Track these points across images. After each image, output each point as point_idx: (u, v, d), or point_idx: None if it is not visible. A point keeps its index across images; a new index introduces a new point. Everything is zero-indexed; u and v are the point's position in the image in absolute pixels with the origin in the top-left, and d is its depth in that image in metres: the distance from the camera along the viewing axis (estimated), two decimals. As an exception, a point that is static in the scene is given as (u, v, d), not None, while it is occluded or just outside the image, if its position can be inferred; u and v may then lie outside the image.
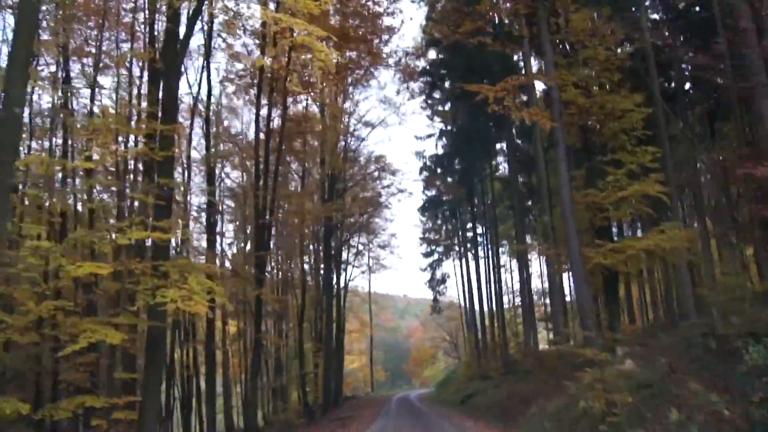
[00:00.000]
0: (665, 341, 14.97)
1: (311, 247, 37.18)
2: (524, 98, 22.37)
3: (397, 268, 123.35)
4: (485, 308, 41.55)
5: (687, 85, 23.77)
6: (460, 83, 17.58)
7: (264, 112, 20.83)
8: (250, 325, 43.87)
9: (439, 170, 41.70)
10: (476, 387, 28.45)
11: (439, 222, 57.77)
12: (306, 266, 44.58)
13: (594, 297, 19.24)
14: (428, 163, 42.16)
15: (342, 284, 49.86)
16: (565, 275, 31.37)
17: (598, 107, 17.83)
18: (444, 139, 42.21)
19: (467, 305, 56.21)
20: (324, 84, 25.51)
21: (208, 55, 20.66)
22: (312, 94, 24.24)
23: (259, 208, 20.83)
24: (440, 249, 58.09)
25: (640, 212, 17.99)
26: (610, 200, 16.69)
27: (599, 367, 10.79)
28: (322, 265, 34.37)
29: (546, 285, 43.33)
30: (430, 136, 41.97)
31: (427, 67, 32.21)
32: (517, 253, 33.94)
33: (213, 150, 22.04)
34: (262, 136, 21.08)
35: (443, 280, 58.32)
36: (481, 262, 45.26)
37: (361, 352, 69.69)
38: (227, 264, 31.59)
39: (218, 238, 31.45)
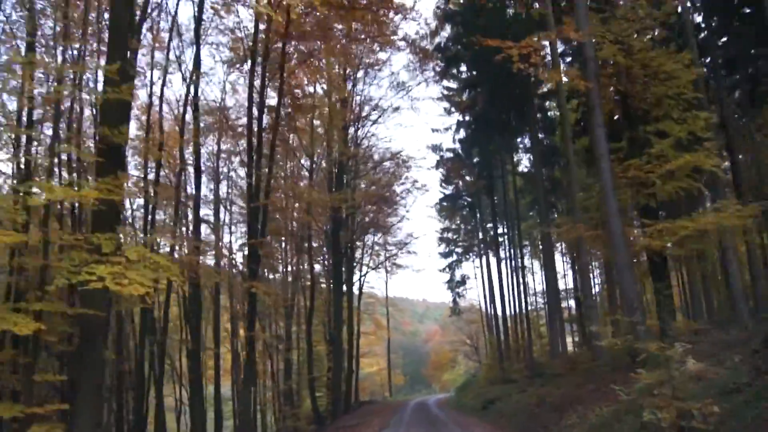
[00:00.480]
0: (731, 337, 12.34)
1: (319, 243, 34.91)
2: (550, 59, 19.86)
3: (415, 269, 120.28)
4: (508, 310, 39.03)
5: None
6: (479, 39, 15.03)
7: (258, 82, 18.54)
8: (260, 326, 41.99)
9: (456, 164, 39.12)
10: (499, 391, 25.81)
11: (458, 221, 55.18)
12: (318, 266, 42.52)
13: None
14: (445, 156, 39.62)
15: (356, 284, 47.83)
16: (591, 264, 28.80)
17: (640, 67, 15.25)
18: (461, 131, 39.75)
19: (488, 307, 53.57)
20: (329, 60, 23.17)
21: (198, 24, 18.48)
22: (314, 65, 21.86)
23: (252, 189, 18.53)
24: (459, 249, 55.53)
25: (690, 188, 15.33)
26: (657, 173, 14.09)
27: (663, 366, 8.21)
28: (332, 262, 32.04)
29: (572, 282, 40.75)
30: (447, 128, 39.60)
31: (443, 43, 29.60)
32: (542, 246, 31.32)
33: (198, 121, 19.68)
34: (256, 113, 18.79)
35: (463, 282, 55.66)
36: (503, 262, 42.76)
37: (379, 356, 67.18)
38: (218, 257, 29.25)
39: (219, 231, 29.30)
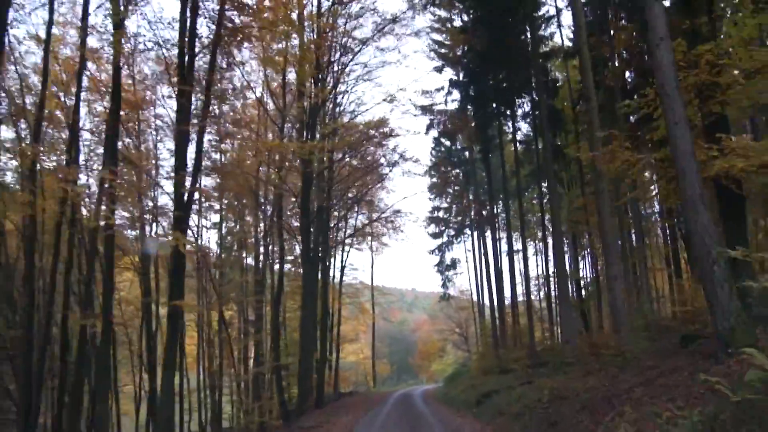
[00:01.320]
0: None
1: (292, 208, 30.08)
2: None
3: (402, 250, 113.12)
4: (504, 293, 34.59)
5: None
6: None
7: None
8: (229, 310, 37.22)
9: (452, 120, 34.31)
10: (495, 383, 21.29)
11: (448, 199, 50.56)
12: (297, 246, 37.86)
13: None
14: (437, 118, 34.88)
15: (337, 264, 43.16)
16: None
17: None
18: (455, 92, 35.09)
19: (481, 290, 49.09)
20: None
21: None
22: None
23: (182, 108, 13.84)
24: (451, 231, 50.96)
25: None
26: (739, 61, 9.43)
27: None
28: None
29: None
30: (439, 89, 34.89)
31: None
32: (551, 220, 26.80)
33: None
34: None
35: (453, 265, 51.13)
36: (500, 242, 38.20)
37: (363, 344, 62.65)
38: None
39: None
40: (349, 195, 38.00)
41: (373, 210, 42.49)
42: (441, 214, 50.92)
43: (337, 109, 30.25)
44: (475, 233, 50.39)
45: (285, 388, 30.20)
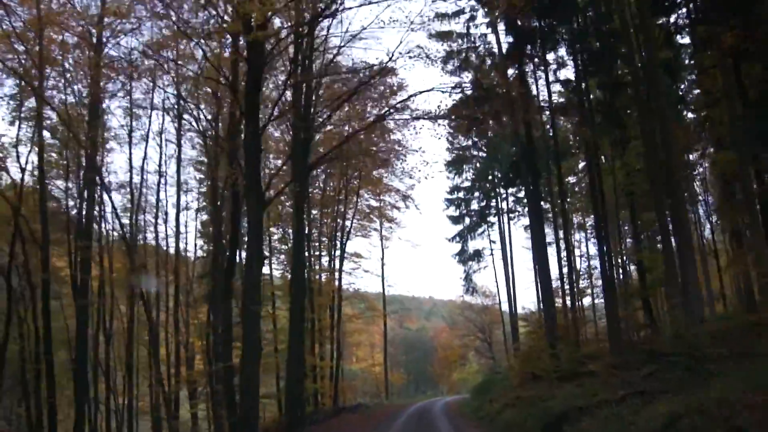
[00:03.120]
0: None
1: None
2: None
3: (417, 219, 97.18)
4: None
5: None
6: None
7: None
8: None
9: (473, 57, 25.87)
10: (567, 395, 12.91)
11: (471, 172, 42.18)
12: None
13: None
14: (455, 46, 26.41)
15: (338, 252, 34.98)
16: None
17: None
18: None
19: (511, 287, 40.53)
20: None
21: None
22: None
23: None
24: (474, 208, 42.55)
25: None
26: None
27: None
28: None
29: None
30: (458, 12, 26.61)
31: None
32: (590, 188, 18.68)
33: None
34: None
35: (478, 255, 42.65)
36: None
37: (374, 350, 54.23)
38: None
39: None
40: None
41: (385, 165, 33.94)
42: (462, 194, 42.63)
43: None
44: (505, 218, 42.22)
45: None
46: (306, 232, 29.84)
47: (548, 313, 20.81)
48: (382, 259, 41.15)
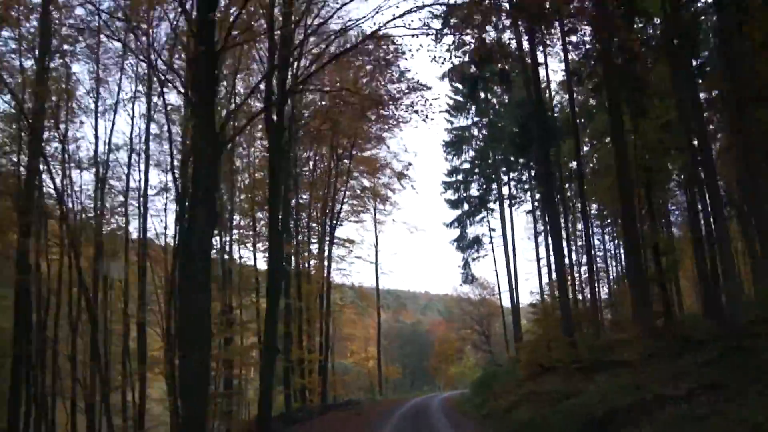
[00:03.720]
0: None
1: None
2: None
3: (413, 207, 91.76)
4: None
5: None
6: None
7: None
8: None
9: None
10: (600, 391, 10.11)
11: (470, 153, 39.53)
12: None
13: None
14: None
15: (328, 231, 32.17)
16: None
17: None
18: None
19: (512, 277, 37.85)
20: None
21: None
22: None
23: None
24: (473, 195, 39.86)
25: None
26: None
27: None
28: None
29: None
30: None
31: None
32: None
33: None
34: None
35: (477, 243, 39.96)
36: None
37: (368, 343, 51.43)
38: None
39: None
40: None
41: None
42: (460, 177, 39.92)
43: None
44: (506, 203, 39.42)
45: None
46: (291, 205, 27.03)
47: (564, 296, 18.06)
48: (376, 245, 38.39)
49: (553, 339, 18.40)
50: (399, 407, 25.03)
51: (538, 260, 38.08)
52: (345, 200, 31.39)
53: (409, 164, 30.99)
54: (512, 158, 38.71)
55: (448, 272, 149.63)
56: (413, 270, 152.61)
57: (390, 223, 38.88)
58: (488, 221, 39.79)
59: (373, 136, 26.45)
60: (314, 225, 32.68)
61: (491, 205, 39.76)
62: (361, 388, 50.83)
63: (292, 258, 30.43)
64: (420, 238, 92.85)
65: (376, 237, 38.21)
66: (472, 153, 39.69)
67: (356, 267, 53.65)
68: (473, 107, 38.84)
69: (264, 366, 17.40)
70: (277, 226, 17.57)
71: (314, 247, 33.27)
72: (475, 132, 39.31)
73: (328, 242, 29.97)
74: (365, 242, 37.93)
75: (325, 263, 31.45)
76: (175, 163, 22.83)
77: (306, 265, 32.76)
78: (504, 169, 39.52)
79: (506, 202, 39.11)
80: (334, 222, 30.12)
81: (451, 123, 39.62)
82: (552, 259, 20.52)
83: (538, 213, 39.37)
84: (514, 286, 37.65)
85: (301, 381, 30.71)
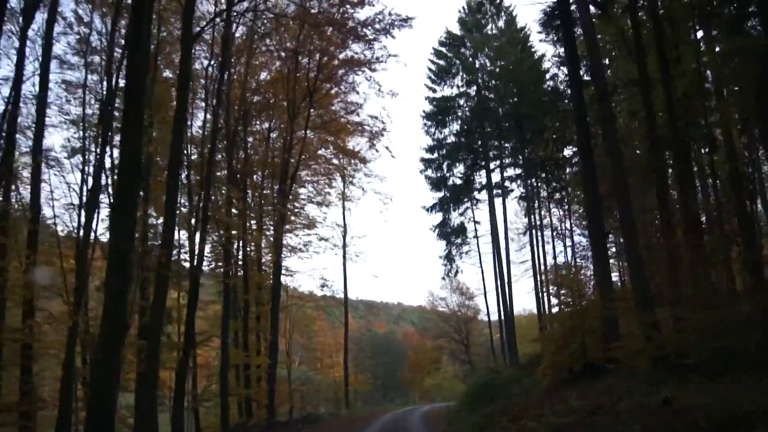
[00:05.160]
0: None
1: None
2: None
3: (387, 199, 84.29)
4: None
5: None
6: None
7: None
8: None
9: None
10: None
11: (455, 126, 33.62)
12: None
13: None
14: None
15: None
16: None
17: None
18: None
19: (500, 273, 31.80)
20: None
21: None
22: None
23: None
24: (458, 171, 33.83)
25: None
26: None
27: None
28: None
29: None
30: None
31: None
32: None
33: None
34: None
35: (461, 231, 33.82)
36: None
37: (333, 350, 44.78)
38: None
39: None
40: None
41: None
42: (443, 152, 33.76)
43: None
44: (495, 190, 33.26)
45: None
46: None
47: (633, 249, 11.73)
48: (344, 223, 31.95)
49: (594, 328, 12.25)
50: (367, 425, 18.60)
51: (535, 257, 32.36)
52: (304, 157, 24.54)
53: (383, 130, 24.49)
54: (503, 141, 32.98)
55: (422, 284, 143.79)
56: (386, 280, 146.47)
57: (359, 195, 31.99)
58: (473, 211, 33.73)
59: (339, 63, 20.28)
60: (269, 208, 25.93)
61: (478, 194, 33.74)
62: (329, 400, 44.14)
63: (241, 242, 23.94)
64: (394, 246, 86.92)
65: (344, 212, 31.73)
66: (457, 127, 33.64)
67: (321, 259, 46.54)
68: (459, 70, 32.94)
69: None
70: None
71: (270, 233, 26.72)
72: (462, 102, 33.31)
73: (279, 210, 23.05)
74: (329, 220, 31.20)
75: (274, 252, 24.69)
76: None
77: (253, 247, 26.24)
78: (495, 146, 33.62)
79: (496, 190, 33.24)
80: (289, 183, 23.25)
81: (434, 91, 33.64)
82: (590, 202, 14.12)
83: (536, 203, 33.74)
84: (506, 283, 31.64)
85: (246, 391, 24.11)
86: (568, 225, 35.16)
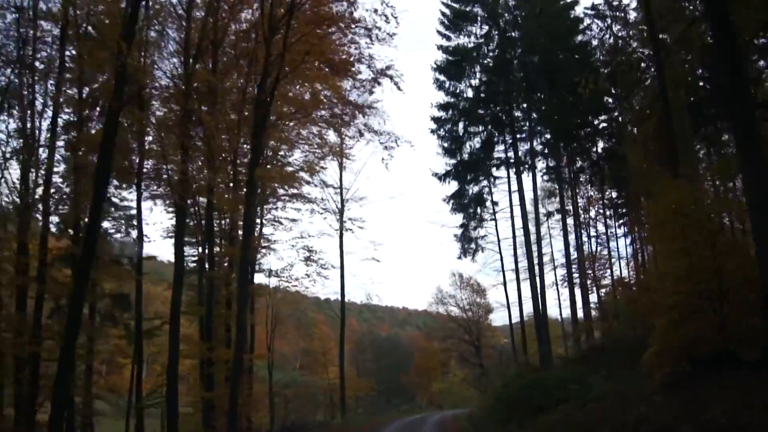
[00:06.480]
0: None
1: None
2: None
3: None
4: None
5: None
6: None
7: None
8: None
9: None
10: None
11: (474, 57, 27.89)
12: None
13: None
14: None
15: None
16: None
17: None
18: None
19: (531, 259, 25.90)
20: None
21: None
22: None
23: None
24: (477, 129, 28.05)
25: None
26: None
27: None
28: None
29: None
30: None
31: None
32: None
33: None
34: None
35: (480, 201, 28.03)
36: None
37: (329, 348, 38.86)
38: None
39: None
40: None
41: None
42: (455, 113, 27.91)
43: None
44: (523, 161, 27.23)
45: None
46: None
47: None
48: (341, 190, 26.31)
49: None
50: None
51: (567, 246, 26.64)
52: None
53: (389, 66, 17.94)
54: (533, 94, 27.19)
55: (429, 288, 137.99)
56: (391, 284, 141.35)
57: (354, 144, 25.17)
58: (491, 191, 27.82)
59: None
60: (242, 170, 20.00)
61: (496, 170, 27.86)
62: (324, 406, 38.37)
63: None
64: (400, 250, 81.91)
65: (341, 171, 26.02)
66: (475, 81, 27.88)
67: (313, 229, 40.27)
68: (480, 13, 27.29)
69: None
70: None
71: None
72: (484, 50, 27.59)
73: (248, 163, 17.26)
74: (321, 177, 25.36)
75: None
76: None
77: (225, 219, 20.80)
78: (521, 108, 27.88)
79: (525, 157, 27.42)
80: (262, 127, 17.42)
81: (448, 38, 27.99)
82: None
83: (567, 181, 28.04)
84: (536, 272, 25.62)
85: (207, 394, 18.45)
86: (592, 213, 29.66)
